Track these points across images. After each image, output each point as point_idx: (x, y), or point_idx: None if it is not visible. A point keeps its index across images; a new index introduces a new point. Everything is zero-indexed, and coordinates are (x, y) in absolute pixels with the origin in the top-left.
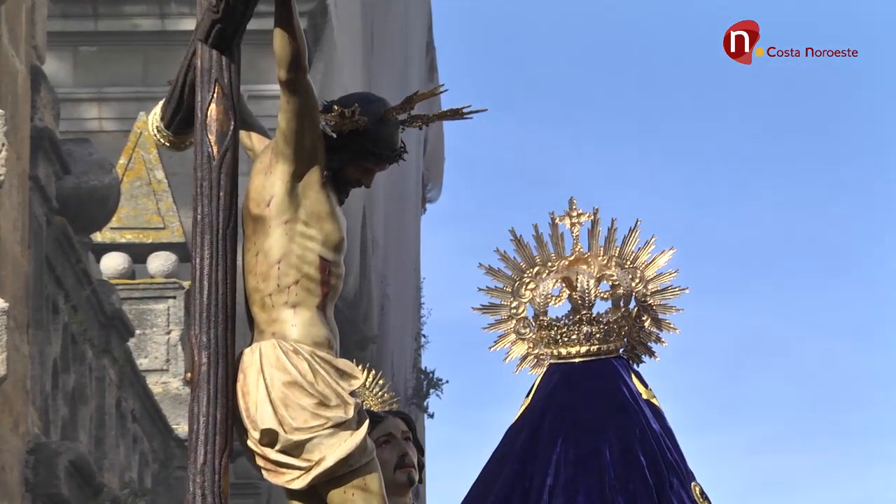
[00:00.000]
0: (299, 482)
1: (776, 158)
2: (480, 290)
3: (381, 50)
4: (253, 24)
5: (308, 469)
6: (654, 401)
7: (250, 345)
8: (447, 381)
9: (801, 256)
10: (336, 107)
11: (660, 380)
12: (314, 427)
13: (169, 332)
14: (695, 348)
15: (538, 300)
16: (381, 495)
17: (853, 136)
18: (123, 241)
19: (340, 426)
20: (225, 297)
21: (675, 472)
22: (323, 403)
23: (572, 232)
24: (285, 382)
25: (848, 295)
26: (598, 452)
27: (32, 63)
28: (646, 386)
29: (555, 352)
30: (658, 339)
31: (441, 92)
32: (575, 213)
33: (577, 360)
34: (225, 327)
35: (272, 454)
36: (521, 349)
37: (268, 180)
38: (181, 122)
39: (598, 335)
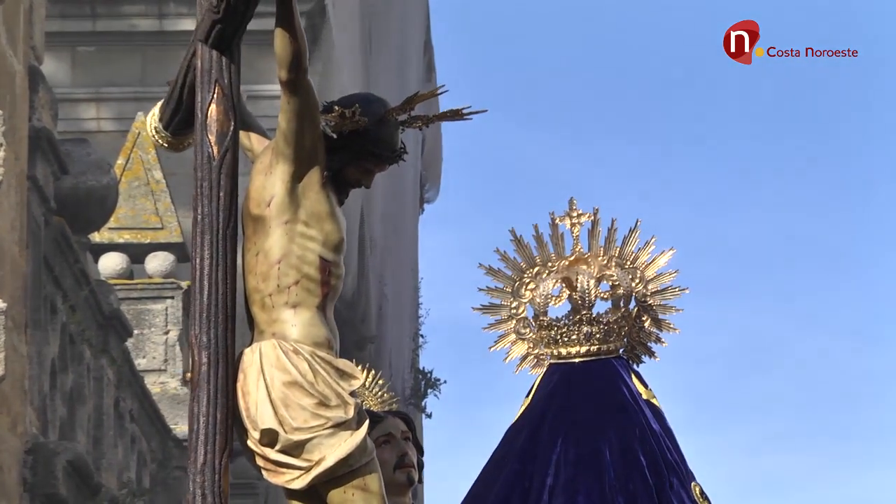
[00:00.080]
0: (299, 482)
1: (776, 158)
2: (480, 290)
3: (379, 50)
4: (251, 25)
5: (308, 469)
6: (654, 401)
7: (250, 345)
8: (445, 382)
9: (801, 256)
10: (336, 107)
11: (660, 380)
12: (314, 427)
13: (167, 333)
14: (695, 348)
15: (538, 300)
16: (381, 495)
17: (853, 136)
18: (121, 241)
19: (340, 426)
20: (225, 297)
21: (675, 472)
22: (323, 403)
23: (572, 232)
24: (285, 382)
25: (848, 295)
26: (598, 452)
27: (30, 63)
28: (646, 386)
29: (555, 352)
30: (658, 340)
31: (442, 93)
32: (575, 214)
33: (577, 360)
34: (225, 327)
35: (272, 454)
36: (521, 349)
37: (268, 180)
38: (180, 123)
39: (598, 335)
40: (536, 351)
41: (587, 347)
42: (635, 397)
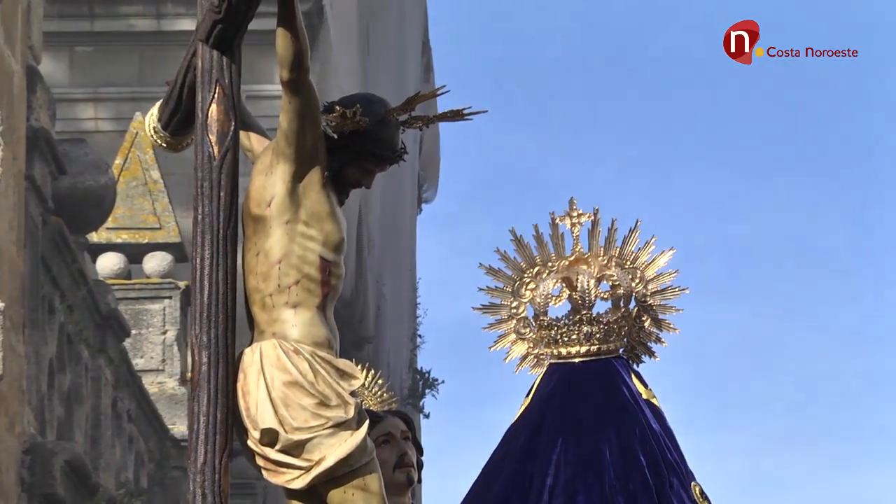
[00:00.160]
0: (299, 482)
1: (776, 158)
2: (480, 289)
3: (376, 50)
4: (252, 25)
5: (308, 469)
6: (654, 401)
7: (250, 345)
8: (443, 382)
9: (801, 256)
10: (338, 107)
11: (660, 380)
12: (314, 427)
13: (165, 333)
14: (695, 348)
15: (538, 300)
16: (381, 495)
17: (853, 136)
18: (119, 241)
19: (341, 426)
20: (225, 297)
21: (675, 472)
22: (323, 403)
23: (572, 232)
24: (286, 382)
25: (848, 295)
26: (598, 452)
27: (28, 63)
28: (646, 386)
29: (555, 352)
30: (658, 339)
31: (443, 93)
32: (575, 214)
33: (577, 360)
34: (225, 327)
35: (272, 454)
36: (521, 349)
37: (268, 180)
38: (179, 123)
39: (598, 335)
40: (536, 351)
41: (587, 347)
42: (635, 397)
